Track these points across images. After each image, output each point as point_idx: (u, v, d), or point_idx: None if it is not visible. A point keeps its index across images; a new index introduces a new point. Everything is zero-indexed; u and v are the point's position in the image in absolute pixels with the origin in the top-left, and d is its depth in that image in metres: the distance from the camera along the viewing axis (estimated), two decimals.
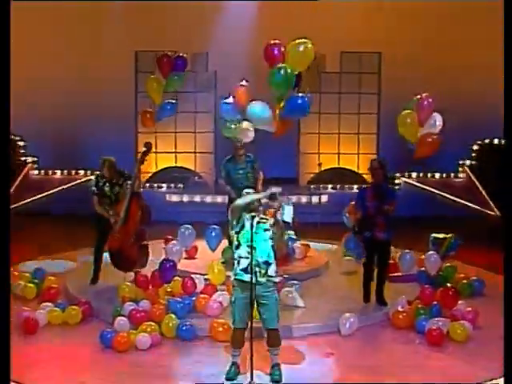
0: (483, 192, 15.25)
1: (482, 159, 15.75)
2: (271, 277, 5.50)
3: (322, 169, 15.36)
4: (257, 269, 5.40)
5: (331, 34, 14.52)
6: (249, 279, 5.32)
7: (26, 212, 14.31)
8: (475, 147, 15.91)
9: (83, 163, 14.99)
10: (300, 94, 7.84)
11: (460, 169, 15.80)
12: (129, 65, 15.23)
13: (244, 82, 7.85)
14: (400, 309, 7.10)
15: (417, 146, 7.63)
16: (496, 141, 15.82)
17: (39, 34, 15.16)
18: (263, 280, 5.44)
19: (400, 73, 14.95)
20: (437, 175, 15.62)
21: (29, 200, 14.82)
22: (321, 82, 15.56)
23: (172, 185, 15.13)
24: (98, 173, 8.54)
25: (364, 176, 14.71)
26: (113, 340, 6.23)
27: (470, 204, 15.09)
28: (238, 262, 5.50)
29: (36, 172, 15.63)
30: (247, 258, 5.37)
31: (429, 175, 15.57)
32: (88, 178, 14.63)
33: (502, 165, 14.90)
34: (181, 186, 15.12)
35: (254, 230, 5.31)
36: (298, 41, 7.42)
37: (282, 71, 7.44)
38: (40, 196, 14.93)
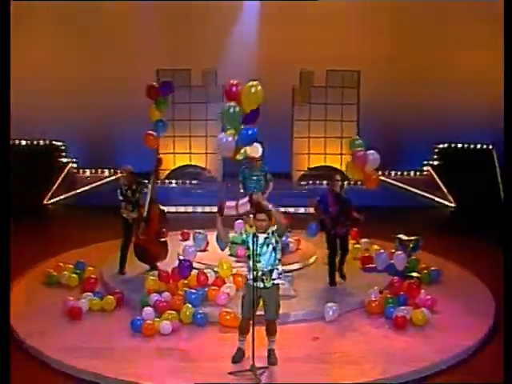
0: (443, 187, 15.32)
1: (442, 159, 15.80)
2: (275, 279, 5.61)
3: (312, 166, 15.69)
4: (264, 277, 5.54)
5: (319, 55, 14.58)
6: (256, 285, 5.52)
7: (69, 206, 14.44)
8: (436, 150, 15.97)
9: (115, 163, 15.01)
10: (249, 127, 7.16)
11: (424, 168, 15.87)
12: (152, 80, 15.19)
13: None
14: (373, 298, 7.17)
15: (364, 181, 8.00)
16: (453, 145, 15.96)
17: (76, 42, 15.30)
18: (269, 285, 5.59)
19: (375, 87, 14.98)
20: (405, 173, 15.69)
21: (69, 194, 14.90)
22: (310, 95, 15.63)
23: (187, 180, 15.29)
24: (121, 182, 8.33)
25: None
26: (141, 327, 6.34)
27: (431, 196, 15.20)
28: (249, 271, 5.62)
29: (76, 171, 15.66)
30: (254, 270, 5.53)
31: (399, 173, 15.64)
32: (119, 175, 14.65)
33: (459, 164, 15.18)
34: (194, 181, 15.27)
35: (257, 247, 5.46)
36: (250, 83, 7.16)
37: (232, 109, 7.05)
38: (79, 191, 15.02)
